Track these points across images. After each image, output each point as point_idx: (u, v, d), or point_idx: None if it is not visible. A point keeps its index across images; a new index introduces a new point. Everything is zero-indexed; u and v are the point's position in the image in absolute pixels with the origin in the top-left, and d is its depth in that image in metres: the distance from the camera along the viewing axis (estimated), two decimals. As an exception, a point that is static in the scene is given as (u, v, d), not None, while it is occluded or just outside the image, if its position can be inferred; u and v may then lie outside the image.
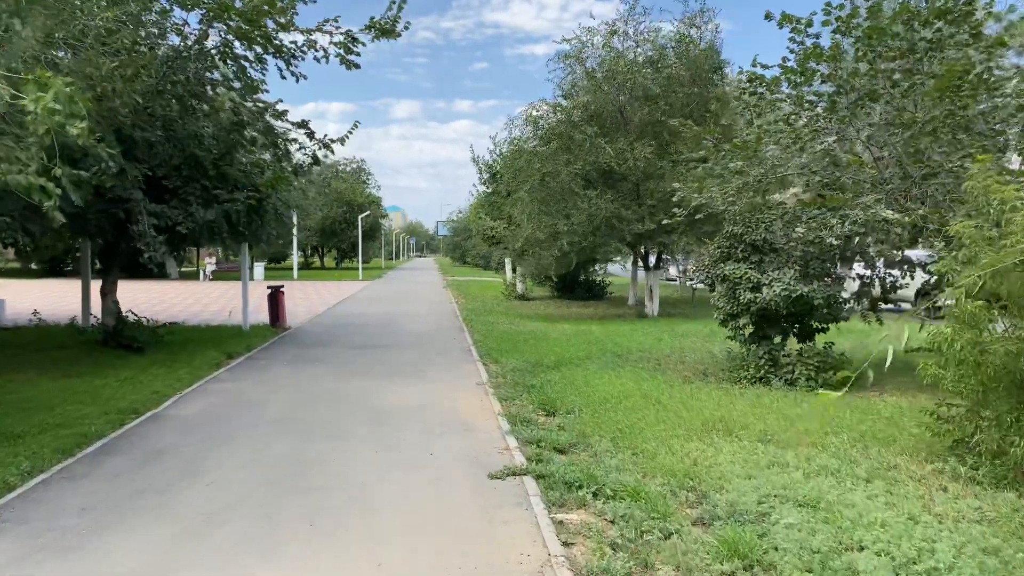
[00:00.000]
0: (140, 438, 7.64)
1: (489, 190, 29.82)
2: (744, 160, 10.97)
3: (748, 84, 10.76)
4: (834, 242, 10.06)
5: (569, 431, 8.15)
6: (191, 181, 13.68)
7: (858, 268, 12.42)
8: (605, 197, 19.14)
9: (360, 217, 50.50)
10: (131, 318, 14.74)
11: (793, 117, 10.82)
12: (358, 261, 50.50)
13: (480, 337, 16.11)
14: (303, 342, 15.40)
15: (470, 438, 7.76)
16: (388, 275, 53.02)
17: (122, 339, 13.94)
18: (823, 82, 10.99)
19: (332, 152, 14.17)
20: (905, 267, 11.66)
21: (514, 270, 35.88)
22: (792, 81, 10.08)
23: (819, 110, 10.36)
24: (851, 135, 10.35)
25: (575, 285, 29.50)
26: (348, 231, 57.54)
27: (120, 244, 14.56)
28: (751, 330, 11.61)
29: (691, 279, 37.36)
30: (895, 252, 10.54)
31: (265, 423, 8.24)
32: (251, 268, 42.80)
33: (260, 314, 19.09)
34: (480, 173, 29.44)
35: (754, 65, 11.14)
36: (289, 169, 14.74)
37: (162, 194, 13.69)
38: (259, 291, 28.90)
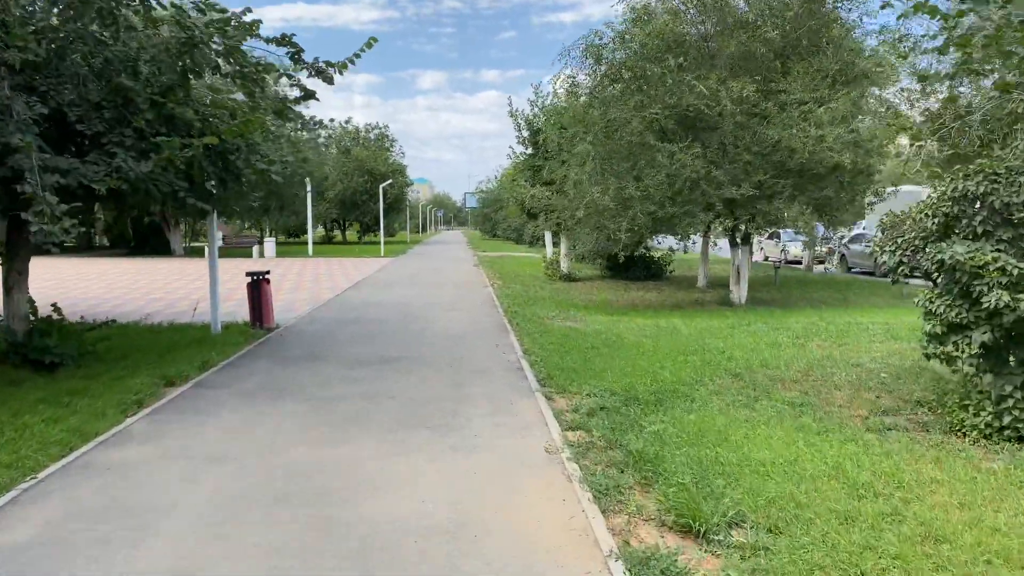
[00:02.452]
0: None
1: (529, 151, 25.24)
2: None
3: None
4: None
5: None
6: (119, 124, 9.43)
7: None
8: (691, 151, 14.57)
9: (382, 187, 45.98)
10: (60, 318, 10.59)
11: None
12: (381, 235, 46.21)
13: (532, 343, 11.72)
14: (286, 354, 11.12)
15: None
16: (413, 250, 48.74)
17: (29, 352, 9.80)
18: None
19: (330, 82, 9.76)
20: None
21: (555, 245, 31.43)
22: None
23: None
24: None
25: (630, 262, 24.92)
26: (370, 203, 53.28)
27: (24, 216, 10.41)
28: (978, 351, 7.11)
29: (772, 257, 32.65)
30: None
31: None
32: (260, 243, 38.85)
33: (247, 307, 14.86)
34: (518, 131, 24.86)
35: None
36: (266, 107, 10.38)
37: (76, 143, 9.49)
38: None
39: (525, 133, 24.94)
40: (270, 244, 38.47)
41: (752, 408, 7.93)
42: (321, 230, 69.55)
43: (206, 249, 38.99)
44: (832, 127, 13.73)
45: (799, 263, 28.30)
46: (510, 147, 25.58)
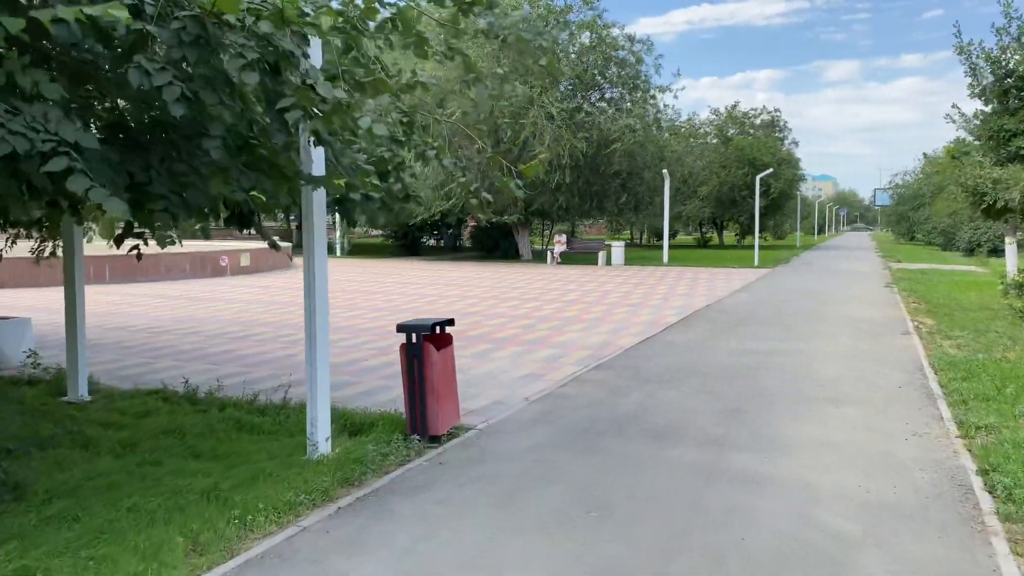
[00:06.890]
0: None
1: (990, 108, 15.34)
2: None
3: None
4: None
5: None
6: None
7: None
8: None
9: (759, 177, 37.04)
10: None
11: None
12: (755, 237, 37.45)
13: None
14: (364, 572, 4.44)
15: None
16: (801, 258, 39.04)
17: None
18: None
19: None
20: None
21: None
22: None
23: None
24: None
25: None
26: (750, 198, 44.76)
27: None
28: None
29: None
30: None
31: None
32: (607, 247, 33.19)
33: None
34: (972, 75, 15.13)
35: None
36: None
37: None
38: (559, 300, 17.64)
39: (986, 80, 15.13)
40: (618, 249, 32.51)
41: None
42: (695, 232, 62.51)
43: (548, 255, 34.33)
44: None
45: None
46: (953, 106, 15.74)
